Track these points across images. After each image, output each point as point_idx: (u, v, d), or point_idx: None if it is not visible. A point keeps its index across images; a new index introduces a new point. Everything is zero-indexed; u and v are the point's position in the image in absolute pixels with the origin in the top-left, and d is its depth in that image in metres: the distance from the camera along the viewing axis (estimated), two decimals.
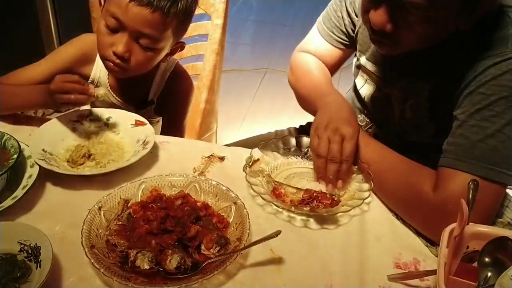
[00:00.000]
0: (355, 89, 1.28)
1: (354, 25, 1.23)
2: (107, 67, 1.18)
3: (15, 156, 0.96)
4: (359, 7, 1.15)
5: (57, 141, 1.10)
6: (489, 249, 0.71)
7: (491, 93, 0.90)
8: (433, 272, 0.81)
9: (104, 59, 1.16)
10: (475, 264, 0.72)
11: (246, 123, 2.88)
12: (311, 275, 0.85)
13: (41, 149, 1.04)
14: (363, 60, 1.21)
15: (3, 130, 1.04)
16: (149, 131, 1.12)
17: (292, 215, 0.96)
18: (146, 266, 0.79)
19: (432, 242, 0.92)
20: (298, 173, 1.09)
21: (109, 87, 1.31)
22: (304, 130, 1.45)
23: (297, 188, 1.00)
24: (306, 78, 1.27)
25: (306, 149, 1.12)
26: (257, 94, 3.17)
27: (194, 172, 1.06)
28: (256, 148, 1.08)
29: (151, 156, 1.09)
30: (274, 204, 0.96)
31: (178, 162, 1.09)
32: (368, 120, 1.28)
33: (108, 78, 1.30)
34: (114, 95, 1.31)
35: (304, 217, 0.96)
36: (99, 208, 0.89)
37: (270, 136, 1.45)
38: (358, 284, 0.83)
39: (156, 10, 1.09)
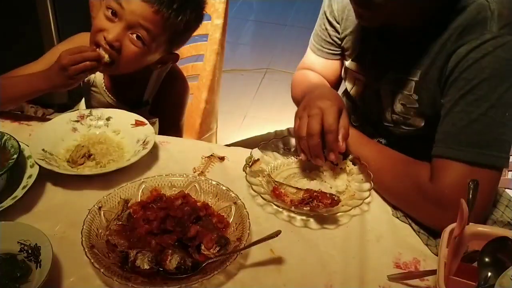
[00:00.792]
0: (347, 93, 1.29)
1: (338, 32, 1.24)
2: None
3: (15, 156, 0.96)
4: (338, 12, 1.19)
5: (57, 141, 1.10)
6: (489, 249, 0.71)
7: (473, 77, 0.91)
8: (433, 272, 0.81)
9: (94, 44, 1.14)
10: (475, 264, 0.72)
11: (246, 123, 2.88)
12: (311, 275, 0.85)
13: (41, 149, 1.04)
14: (348, 63, 1.23)
15: (3, 130, 1.03)
16: (149, 131, 1.12)
17: (292, 215, 0.97)
18: (146, 266, 0.79)
19: (434, 235, 0.93)
20: (298, 173, 1.09)
21: (104, 87, 1.31)
22: None
23: (297, 188, 1.00)
24: (304, 85, 1.28)
25: None
26: (257, 94, 3.17)
27: (194, 172, 1.06)
28: (256, 148, 1.09)
29: (151, 156, 1.09)
30: (274, 204, 0.96)
31: (178, 162, 1.09)
32: (361, 120, 1.28)
33: (103, 78, 1.30)
34: (110, 95, 1.31)
35: (304, 217, 0.96)
36: (99, 208, 0.89)
37: (270, 136, 1.45)
38: (358, 284, 0.83)
39: (159, 12, 1.10)
